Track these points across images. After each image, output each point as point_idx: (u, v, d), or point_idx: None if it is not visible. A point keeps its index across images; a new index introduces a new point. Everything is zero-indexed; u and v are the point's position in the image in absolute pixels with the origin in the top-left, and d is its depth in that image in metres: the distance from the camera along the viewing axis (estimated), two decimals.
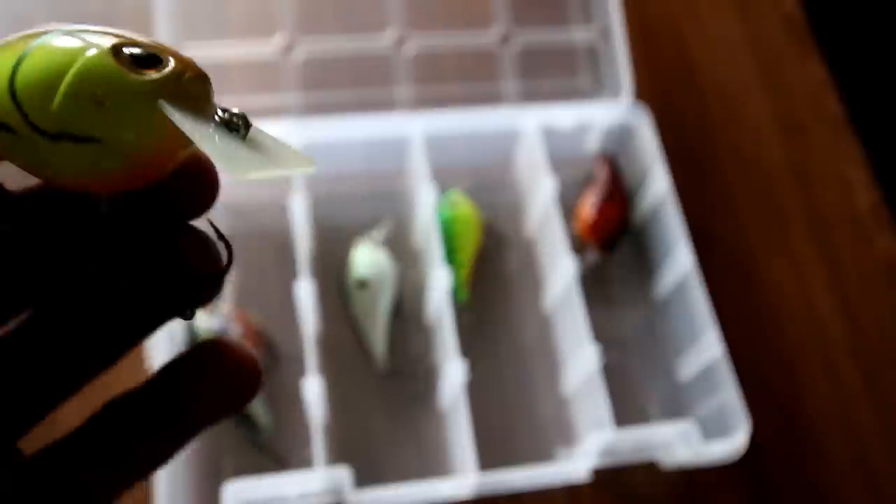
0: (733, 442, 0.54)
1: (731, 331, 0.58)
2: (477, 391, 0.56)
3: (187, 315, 0.21)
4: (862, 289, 0.68)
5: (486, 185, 0.68)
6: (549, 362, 0.63)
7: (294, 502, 0.50)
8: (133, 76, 0.17)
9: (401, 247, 0.65)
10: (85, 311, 0.21)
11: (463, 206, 0.65)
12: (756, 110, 0.76)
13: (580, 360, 0.57)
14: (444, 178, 0.64)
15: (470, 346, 0.58)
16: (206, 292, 0.21)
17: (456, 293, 0.62)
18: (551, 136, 0.65)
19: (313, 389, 0.52)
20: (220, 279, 0.21)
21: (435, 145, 0.63)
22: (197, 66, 0.18)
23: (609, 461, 0.54)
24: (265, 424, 0.56)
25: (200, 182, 0.20)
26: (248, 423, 0.56)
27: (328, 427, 0.55)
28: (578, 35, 0.70)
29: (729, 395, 0.55)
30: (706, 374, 0.58)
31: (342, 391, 0.58)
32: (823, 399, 0.63)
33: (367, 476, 0.53)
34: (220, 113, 0.18)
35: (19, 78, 0.17)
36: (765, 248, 0.69)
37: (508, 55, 0.68)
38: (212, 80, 0.19)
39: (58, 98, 0.17)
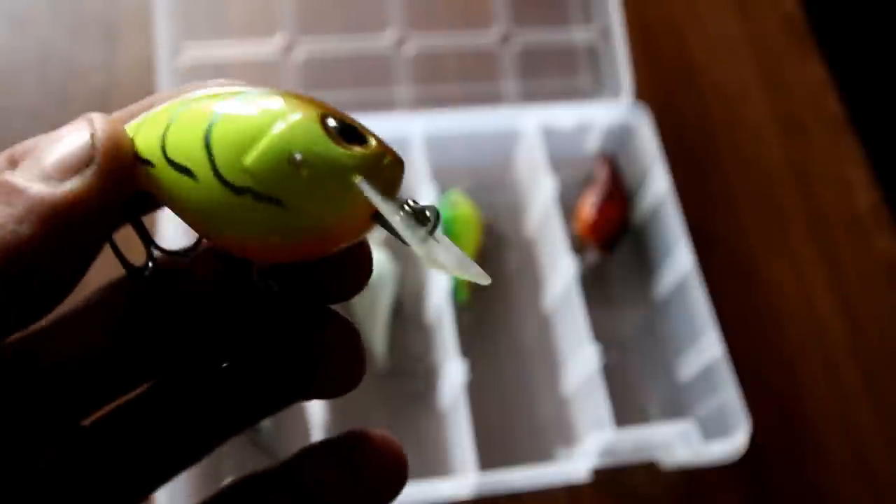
0: (733, 442, 0.54)
1: (731, 331, 0.58)
2: (477, 391, 0.56)
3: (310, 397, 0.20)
4: (862, 289, 0.68)
5: (486, 185, 0.68)
6: (549, 362, 0.63)
7: None
8: (337, 147, 0.17)
9: (401, 247, 0.65)
10: (212, 383, 0.20)
11: (463, 206, 0.65)
12: (756, 110, 0.76)
13: (580, 360, 0.57)
14: (444, 178, 0.64)
15: (470, 346, 0.58)
16: (338, 386, 0.20)
17: (456, 293, 0.62)
18: (551, 136, 0.65)
19: None
20: (356, 375, 0.20)
21: (435, 145, 0.63)
22: (395, 152, 0.18)
23: (609, 461, 0.54)
24: (265, 424, 0.56)
25: (355, 268, 0.20)
26: (253, 437, 0.56)
27: (328, 427, 0.55)
28: (578, 35, 0.70)
29: (729, 395, 0.55)
30: (706, 374, 0.58)
31: None
32: (823, 399, 0.63)
33: None
34: (410, 203, 0.18)
35: (217, 127, 0.17)
36: (765, 248, 0.69)
37: (508, 55, 0.68)
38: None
39: (255, 152, 0.16)
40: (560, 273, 0.60)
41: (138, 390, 0.20)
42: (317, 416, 0.52)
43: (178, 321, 0.19)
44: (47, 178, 0.17)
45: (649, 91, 0.70)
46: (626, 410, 0.58)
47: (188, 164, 0.17)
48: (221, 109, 0.17)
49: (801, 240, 0.70)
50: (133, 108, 0.19)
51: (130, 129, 0.18)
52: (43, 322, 0.18)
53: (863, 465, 0.61)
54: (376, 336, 0.60)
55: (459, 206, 0.64)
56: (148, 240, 0.19)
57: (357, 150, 0.17)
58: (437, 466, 0.58)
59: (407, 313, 0.63)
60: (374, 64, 0.67)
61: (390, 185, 0.18)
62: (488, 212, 0.67)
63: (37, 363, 0.18)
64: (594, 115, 0.66)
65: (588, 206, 0.66)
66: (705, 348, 0.58)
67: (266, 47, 0.65)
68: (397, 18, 0.67)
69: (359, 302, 0.61)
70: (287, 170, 0.16)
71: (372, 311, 0.60)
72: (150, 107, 0.19)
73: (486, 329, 0.63)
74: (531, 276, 0.66)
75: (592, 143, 0.69)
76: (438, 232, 0.18)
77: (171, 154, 0.17)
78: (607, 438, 0.53)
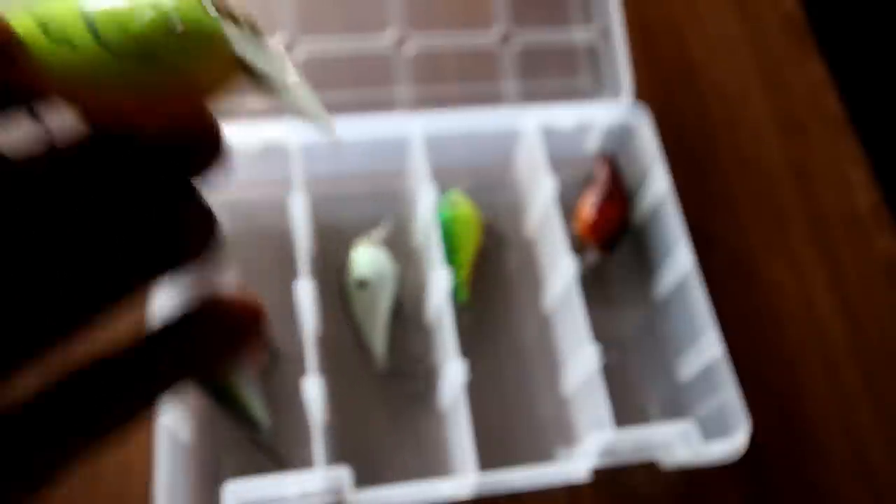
0: (733, 442, 0.54)
1: (731, 331, 0.58)
2: (477, 391, 0.56)
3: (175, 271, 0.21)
4: (862, 289, 0.68)
5: (486, 185, 0.68)
6: (549, 362, 0.63)
7: (294, 502, 0.50)
8: (210, 15, 0.19)
9: (401, 247, 0.65)
10: (87, 242, 0.20)
11: (463, 206, 0.65)
12: (756, 110, 0.76)
13: (580, 360, 0.57)
14: (444, 178, 0.64)
15: (470, 346, 0.58)
16: (195, 254, 0.21)
17: (456, 293, 0.62)
18: (551, 136, 0.65)
19: (313, 389, 0.52)
20: (209, 243, 0.21)
21: (435, 145, 0.63)
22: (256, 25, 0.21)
23: (609, 461, 0.54)
24: (265, 424, 0.57)
25: (205, 138, 0.21)
26: (248, 422, 0.56)
27: (328, 427, 0.55)
28: (578, 35, 0.70)
29: (729, 395, 0.55)
30: (706, 374, 0.58)
31: (342, 391, 0.58)
32: (823, 399, 0.63)
33: (367, 476, 0.53)
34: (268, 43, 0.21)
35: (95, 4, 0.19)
36: (765, 248, 0.69)
37: (508, 55, 0.68)
38: None
39: (131, 19, 0.19)
40: (560, 273, 0.60)
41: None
42: (317, 416, 0.52)
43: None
44: None
45: (649, 91, 0.70)
46: (626, 410, 0.58)
47: (70, 37, 0.19)
48: None
49: (801, 240, 0.70)
50: None
51: None
52: None
53: (863, 465, 0.61)
54: (376, 336, 0.60)
55: (459, 206, 0.64)
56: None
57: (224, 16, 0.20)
58: (437, 466, 0.58)
59: (407, 314, 0.63)
60: (374, 64, 0.67)
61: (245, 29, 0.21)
62: (488, 212, 0.67)
63: None
64: (594, 115, 0.66)
65: (588, 206, 0.66)
66: (705, 348, 0.58)
67: None
68: (397, 18, 0.67)
69: (359, 302, 0.61)
70: (166, 33, 0.19)
71: (372, 311, 0.60)
72: None
73: (486, 329, 0.63)
74: (531, 276, 0.66)
75: (592, 143, 0.69)
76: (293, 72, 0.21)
77: (52, 30, 0.19)
78: (607, 438, 0.53)
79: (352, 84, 0.67)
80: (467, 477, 0.51)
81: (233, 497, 0.49)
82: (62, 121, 0.20)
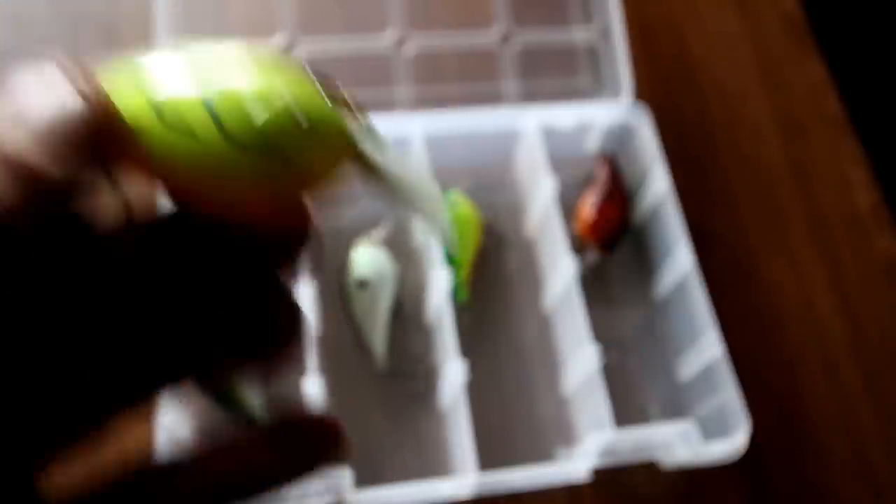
0: (733, 442, 0.54)
1: (731, 331, 0.58)
2: (477, 391, 0.56)
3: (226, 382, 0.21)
4: (862, 289, 0.68)
5: (486, 185, 0.68)
6: (549, 362, 0.63)
7: (293, 502, 0.50)
8: (331, 106, 0.19)
9: (401, 247, 0.65)
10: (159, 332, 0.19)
11: (463, 206, 0.65)
12: (756, 110, 0.76)
13: (580, 360, 0.57)
14: (444, 178, 0.64)
15: (470, 346, 0.58)
16: (268, 362, 0.20)
17: (456, 293, 0.62)
18: (551, 136, 0.65)
19: (313, 389, 0.52)
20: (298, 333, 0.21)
21: (435, 145, 0.63)
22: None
23: (609, 461, 0.54)
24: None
25: (301, 233, 0.20)
26: (248, 422, 0.56)
27: None
28: (578, 35, 0.70)
29: (729, 395, 0.55)
30: (706, 374, 0.58)
31: (342, 391, 0.58)
32: (823, 399, 0.63)
33: (367, 476, 0.53)
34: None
35: (219, 92, 0.18)
36: (765, 248, 0.69)
37: (508, 55, 0.68)
38: None
39: (266, 115, 0.18)
40: (560, 273, 0.60)
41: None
42: None
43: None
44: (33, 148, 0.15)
45: (649, 91, 0.70)
46: (626, 410, 0.58)
47: (191, 127, 0.18)
48: (218, 76, 0.19)
49: (801, 240, 0.70)
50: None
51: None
52: None
53: (863, 465, 0.61)
54: (376, 336, 0.60)
55: (459, 206, 0.64)
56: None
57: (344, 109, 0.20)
58: (437, 466, 0.58)
59: (407, 314, 0.63)
60: (374, 64, 0.67)
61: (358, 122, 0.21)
62: (488, 212, 0.67)
63: None
64: (594, 115, 0.66)
65: (588, 206, 0.66)
66: (705, 348, 0.58)
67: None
68: (397, 18, 0.67)
69: (359, 302, 0.61)
70: (292, 127, 0.18)
71: (372, 311, 0.60)
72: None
73: (486, 329, 0.63)
74: (531, 276, 0.66)
75: (592, 143, 0.69)
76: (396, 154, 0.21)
77: (170, 118, 0.18)
78: (607, 438, 0.53)
79: (352, 84, 0.67)
80: (467, 477, 0.51)
81: None
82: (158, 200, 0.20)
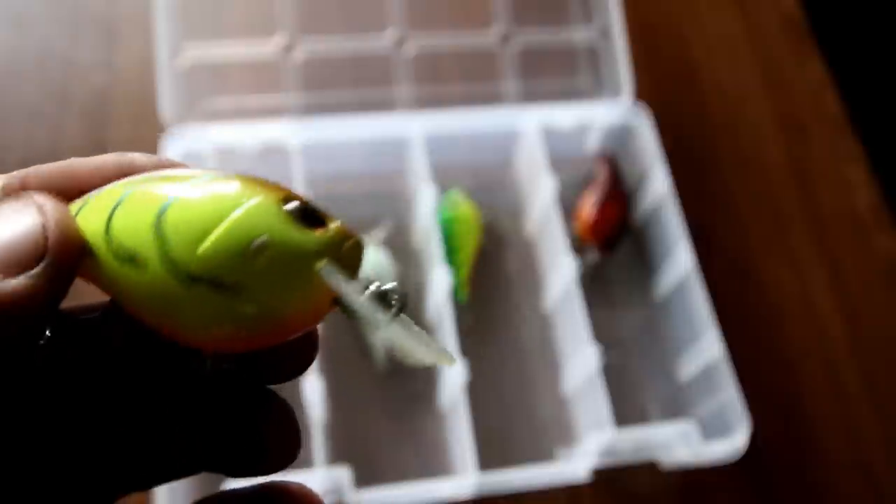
0: (733, 442, 0.54)
1: (731, 331, 0.58)
2: (477, 391, 0.56)
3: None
4: (862, 289, 0.68)
5: (486, 185, 0.68)
6: (549, 362, 0.63)
7: None
8: (298, 232, 0.16)
9: (401, 247, 0.65)
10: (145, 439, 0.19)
11: (463, 206, 0.65)
12: (756, 110, 0.76)
13: (580, 360, 0.57)
14: (444, 178, 0.64)
15: (470, 346, 0.58)
16: (275, 463, 0.20)
17: (456, 293, 0.62)
18: (551, 136, 0.65)
19: (313, 389, 0.52)
20: (291, 453, 0.20)
21: (435, 145, 0.63)
22: (355, 233, 0.17)
23: (609, 461, 0.54)
24: None
25: (302, 351, 0.19)
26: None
27: (328, 427, 0.55)
28: (578, 35, 0.70)
29: (729, 395, 0.55)
30: (706, 374, 0.58)
31: (342, 391, 0.58)
32: (823, 399, 0.63)
33: (367, 476, 0.53)
34: (373, 286, 0.17)
35: (169, 213, 0.16)
36: (765, 248, 0.69)
37: (508, 55, 0.68)
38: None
39: (212, 239, 0.16)
40: (560, 273, 0.60)
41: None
42: (317, 416, 0.52)
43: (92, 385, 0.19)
44: None
45: (649, 91, 0.70)
46: (626, 410, 0.58)
47: (136, 252, 0.16)
48: (174, 193, 0.16)
49: (801, 240, 0.70)
50: (77, 165, 0.18)
51: (73, 208, 0.18)
52: None
53: (863, 465, 0.61)
54: (376, 336, 0.60)
55: (459, 206, 0.64)
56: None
57: (318, 233, 0.16)
58: (437, 466, 0.58)
59: (407, 314, 0.63)
60: (374, 64, 0.67)
61: (352, 267, 0.17)
62: (488, 212, 0.67)
63: None
64: (594, 115, 0.66)
65: (588, 206, 0.66)
66: (705, 348, 0.58)
67: (266, 47, 0.65)
68: (397, 18, 0.67)
69: None
70: (246, 257, 0.16)
71: None
72: (94, 168, 0.18)
73: (486, 329, 0.63)
74: (531, 276, 0.66)
75: (592, 143, 0.69)
76: (405, 316, 0.18)
77: (118, 239, 0.16)
78: (607, 438, 0.53)
79: (352, 84, 0.67)
80: (467, 477, 0.51)
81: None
82: None
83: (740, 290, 0.67)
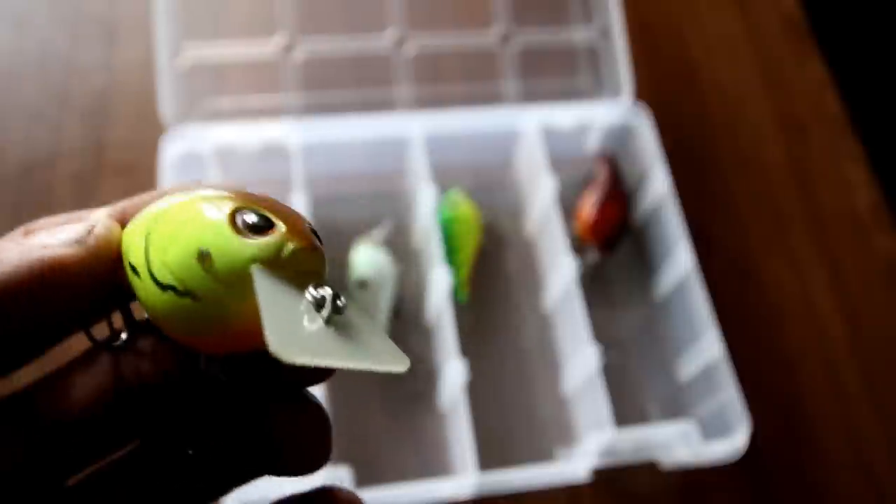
0: (733, 442, 0.54)
1: (731, 331, 0.58)
2: (477, 391, 0.56)
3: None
4: (862, 289, 0.68)
5: (486, 185, 0.68)
6: (549, 362, 0.63)
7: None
8: (238, 240, 0.18)
9: (401, 247, 0.65)
10: (178, 456, 0.21)
11: (463, 206, 0.65)
12: (756, 110, 0.76)
13: (580, 361, 0.57)
14: (444, 178, 0.64)
15: (470, 346, 0.58)
16: (300, 467, 0.22)
17: (456, 293, 0.62)
18: (551, 136, 0.65)
19: (313, 389, 0.52)
20: (319, 455, 0.22)
21: (435, 145, 0.63)
22: (309, 238, 0.19)
23: (609, 461, 0.54)
24: None
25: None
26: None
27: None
28: (578, 35, 0.70)
29: (729, 395, 0.55)
30: (706, 374, 0.58)
31: (342, 391, 0.58)
32: (823, 399, 0.63)
33: (367, 476, 0.53)
34: (313, 291, 0.18)
35: (153, 228, 0.19)
36: (765, 248, 0.69)
37: (508, 55, 0.68)
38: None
39: (173, 249, 0.18)
40: (560, 273, 0.60)
41: (120, 453, 0.21)
42: None
43: (145, 398, 0.20)
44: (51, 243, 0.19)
45: (649, 91, 0.70)
46: (626, 410, 0.58)
47: (135, 264, 0.19)
48: (162, 210, 0.19)
49: (801, 240, 0.70)
50: (141, 198, 0.21)
51: (128, 232, 0.20)
52: (44, 372, 0.20)
53: (863, 465, 0.61)
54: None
55: (459, 206, 0.64)
56: (127, 316, 0.21)
57: (257, 241, 0.18)
58: (437, 466, 0.58)
59: (407, 314, 0.63)
60: (374, 64, 0.67)
61: (299, 272, 0.18)
62: (488, 212, 0.67)
63: (36, 415, 0.19)
64: (594, 115, 0.66)
65: (588, 206, 0.66)
66: (705, 348, 0.58)
67: (266, 47, 0.65)
68: (397, 18, 0.67)
69: (359, 302, 0.61)
70: (198, 265, 0.17)
71: (372, 311, 0.60)
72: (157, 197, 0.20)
73: (486, 329, 0.63)
74: (531, 276, 0.66)
75: (592, 143, 0.69)
76: (349, 319, 0.19)
77: (126, 256, 0.19)
78: (607, 438, 0.53)
79: (352, 84, 0.67)
80: (467, 477, 0.51)
81: (232, 497, 0.49)
82: None
83: (740, 290, 0.67)
